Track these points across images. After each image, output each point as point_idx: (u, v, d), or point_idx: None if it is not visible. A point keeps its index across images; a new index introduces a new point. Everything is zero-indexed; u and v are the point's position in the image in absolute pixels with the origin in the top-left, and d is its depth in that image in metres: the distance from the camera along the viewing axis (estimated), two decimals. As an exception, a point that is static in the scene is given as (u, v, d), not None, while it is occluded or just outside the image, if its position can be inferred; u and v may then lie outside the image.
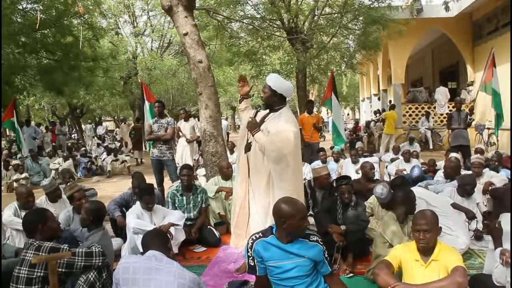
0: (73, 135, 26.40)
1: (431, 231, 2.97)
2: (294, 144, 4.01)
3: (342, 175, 5.40)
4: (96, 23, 14.46)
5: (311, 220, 5.18)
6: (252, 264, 3.04)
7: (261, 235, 3.03)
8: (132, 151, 15.71)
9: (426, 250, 3.00)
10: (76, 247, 3.24)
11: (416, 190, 4.62)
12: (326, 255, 3.00)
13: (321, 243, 2.99)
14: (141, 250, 3.33)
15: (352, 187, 4.83)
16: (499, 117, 9.74)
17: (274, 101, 4.12)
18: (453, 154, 7.29)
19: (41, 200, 5.37)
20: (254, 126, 4.13)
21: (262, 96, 4.22)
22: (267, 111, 4.22)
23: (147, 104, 9.99)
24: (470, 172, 6.00)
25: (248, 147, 4.27)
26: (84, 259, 3.03)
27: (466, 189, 5.01)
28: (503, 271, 3.05)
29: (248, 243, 3.06)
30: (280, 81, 4.17)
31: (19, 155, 12.91)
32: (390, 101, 18.27)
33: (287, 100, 4.32)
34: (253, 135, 4.13)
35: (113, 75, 17.59)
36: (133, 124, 18.43)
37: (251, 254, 3.02)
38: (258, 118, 4.24)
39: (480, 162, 6.06)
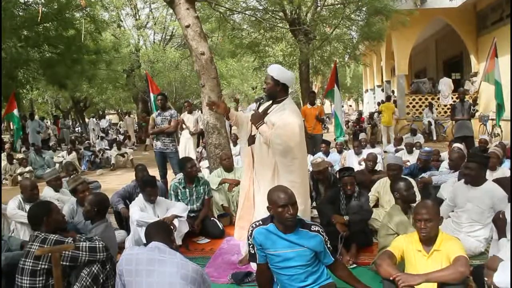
0: (76, 129, 26.46)
1: (432, 220, 2.96)
2: (300, 136, 3.96)
3: (345, 167, 5.37)
4: (98, 16, 14.40)
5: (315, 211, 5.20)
6: (253, 251, 3.06)
7: (261, 223, 3.06)
8: (136, 144, 15.91)
9: (428, 240, 3.00)
10: (80, 240, 3.26)
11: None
12: (328, 245, 3.01)
13: (322, 233, 3.00)
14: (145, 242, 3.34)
15: (355, 179, 4.82)
16: (500, 107, 9.72)
17: (277, 91, 4.05)
18: (456, 145, 7.25)
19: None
20: (258, 119, 4.06)
21: (265, 87, 4.17)
22: (270, 102, 4.18)
23: (152, 96, 10.01)
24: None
25: (252, 140, 4.24)
26: (88, 254, 3.06)
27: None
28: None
29: (248, 231, 3.08)
30: (282, 70, 4.11)
31: (22, 149, 12.96)
32: (392, 91, 18.23)
33: (289, 92, 4.28)
34: (257, 128, 4.07)
35: (115, 68, 17.58)
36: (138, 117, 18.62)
37: (251, 241, 3.05)
38: (260, 110, 4.20)
39: (496, 153, 5.63)
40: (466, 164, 4.31)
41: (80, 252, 3.04)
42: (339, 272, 3.13)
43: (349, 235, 4.27)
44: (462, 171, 4.96)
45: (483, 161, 4.28)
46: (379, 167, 7.20)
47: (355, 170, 7.19)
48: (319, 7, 11.91)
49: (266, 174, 4.06)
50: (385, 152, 9.66)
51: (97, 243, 3.14)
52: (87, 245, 3.09)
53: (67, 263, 3.01)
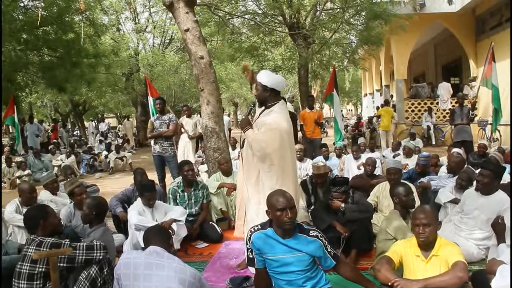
0: (75, 132, 26.43)
1: (430, 225, 2.95)
2: (280, 142, 3.95)
3: (339, 180, 5.06)
4: (97, 19, 14.44)
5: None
6: (251, 256, 3.06)
7: (260, 228, 3.05)
8: (134, 147, 15.85)
9: (426, 245, 2.99)
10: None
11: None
12: (329, 249, 2.98)
13: (321, 237, 2.98)
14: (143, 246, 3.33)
15: (347, 195, 4.65)
16: (497, 112, 9.72)
17: (266, 96, 4.10)
18: (455, 149, 7.26)
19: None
20: (245, 124, 4.15)
21: (255, 94, 4.21)
22: (263, 108, 4.21)
23: (150, 99, 10.02)
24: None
25: (243, 144, 4.30)
26: (85, 252, 3.04)
27: (461, 184, 4.94)
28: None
29: (247, 236, 3.07)
30: (269, 75, 4.14)
31: (22, 152, 12.93)
32: (391, 96, 18.24)
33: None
34: (244, 132, 4.14)
35: (115, 71, 17.61)
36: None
37: (249, 246, 3.04)
38: (255, 116, 4.25)
39: (495, 158, 5.73)
40: (480, 171, 4.20)
41: (77, 252, 3.02)
42: (346, 273, 3.07)
43: (351, 239, 4.24)
44: (461, 176, 4.99)
45: (496, 170, 4.18)
46: (378, 171, 7.19)
47: (354, 174, 7.23)
48: (318, 12, 11.94)
49: (252, 178, 4.12)
50: (383, 157, 9.65)
51: (95, 241, 3.14)
52: (83, 244, 3.09)
53: (64, 265, 2.99)
